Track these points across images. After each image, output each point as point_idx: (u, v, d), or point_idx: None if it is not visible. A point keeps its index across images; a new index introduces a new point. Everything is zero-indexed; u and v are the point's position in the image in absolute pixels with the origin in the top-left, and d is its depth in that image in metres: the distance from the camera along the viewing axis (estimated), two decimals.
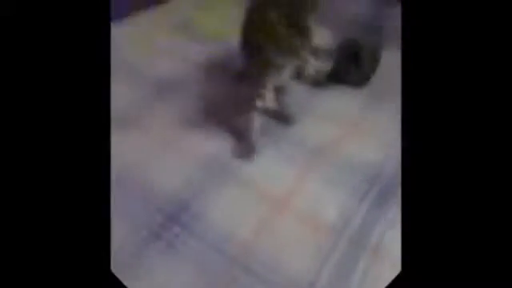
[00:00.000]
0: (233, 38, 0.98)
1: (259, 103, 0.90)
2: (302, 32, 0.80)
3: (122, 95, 1.01)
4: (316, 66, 1.05)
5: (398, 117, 0.71)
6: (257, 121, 0.93)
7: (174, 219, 0.77)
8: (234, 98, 1.05)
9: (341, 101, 1.06)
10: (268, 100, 0.97)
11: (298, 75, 1.04)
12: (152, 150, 0.91)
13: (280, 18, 0.80)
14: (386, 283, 0.55)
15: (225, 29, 1.25)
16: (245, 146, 0.93)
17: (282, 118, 1.00)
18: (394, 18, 1.22)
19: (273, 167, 0.88)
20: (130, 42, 1.26)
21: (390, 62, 1.09)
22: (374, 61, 1.12)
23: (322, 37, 1.09)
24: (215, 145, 0.93)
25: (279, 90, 0.97)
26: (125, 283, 0.55)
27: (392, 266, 0.68)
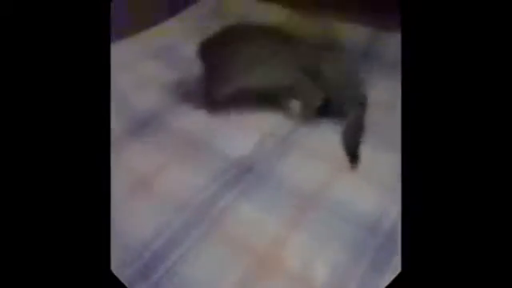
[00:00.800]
0: None
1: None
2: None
3: None
4: (304, 100, 0.97)
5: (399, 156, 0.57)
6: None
7: (144, 275, 0.66)
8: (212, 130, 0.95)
9: (332, 136, 0.92)
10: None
11: (284, 111, 0.98)
12: (127, 191, 0.80)
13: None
14: None
15: None
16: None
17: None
18: (393, 47, 1.14)
19: (255, 216, 0.76)
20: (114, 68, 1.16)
21: (389, 93, 0.97)
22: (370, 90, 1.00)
23: None
24: (194, 188, 0.80)
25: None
26: None
27: None
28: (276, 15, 1.35)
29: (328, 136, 0.92)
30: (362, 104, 0.95)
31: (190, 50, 1.14)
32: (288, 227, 0.73)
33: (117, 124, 0.95)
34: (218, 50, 0.94)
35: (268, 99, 0.99)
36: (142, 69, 1.18)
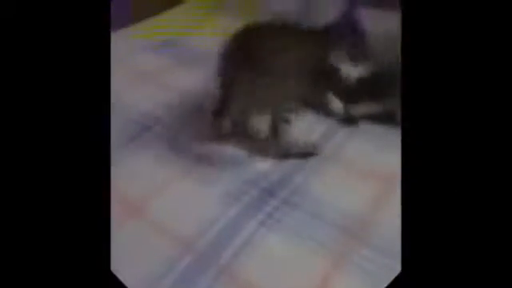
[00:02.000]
0: None
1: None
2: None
3: None
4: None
5: None
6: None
7: None
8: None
9: (374, 140, 0.73)
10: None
11: (325, 112, 0.82)
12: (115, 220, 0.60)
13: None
14: None
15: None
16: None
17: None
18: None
19: (285, 254, 0.56)
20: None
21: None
22: None
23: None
24: (204, 216, 0.62)
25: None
26: None
27: None
28: None
29: (371, 145, 0.72)
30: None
31: (197, 42, 1.04)
32: (330, 269, 0.54)
33: (118, 125, 0.79)
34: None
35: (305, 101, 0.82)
36: (142, 63, 1.02)
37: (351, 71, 0.77)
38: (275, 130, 0.71)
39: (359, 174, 0.68)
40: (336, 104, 0.80)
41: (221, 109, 0.71)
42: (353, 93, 0.80)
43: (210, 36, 1.11)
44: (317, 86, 0.78)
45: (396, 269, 0.53)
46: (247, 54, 0.72)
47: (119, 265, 0.55)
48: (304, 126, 0.78)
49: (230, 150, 0.72)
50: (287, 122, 0.72)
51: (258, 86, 0.69)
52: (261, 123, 0.71)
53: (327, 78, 0.77)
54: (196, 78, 0.90)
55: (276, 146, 0.71)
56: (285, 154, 0.71)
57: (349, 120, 0.82)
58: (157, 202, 0.65)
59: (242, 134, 0.70)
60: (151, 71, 1.01)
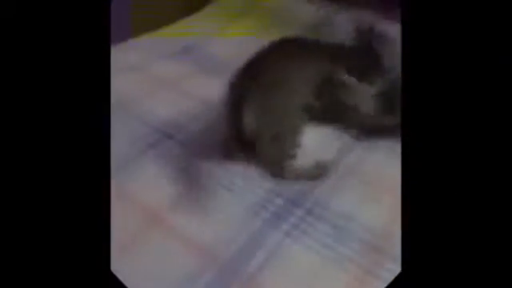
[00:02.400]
0: None
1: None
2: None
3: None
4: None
5: None
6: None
7: None
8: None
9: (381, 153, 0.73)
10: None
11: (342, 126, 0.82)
12: (130, 234, 0.60)
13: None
14: None
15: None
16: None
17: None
18: None
19: (310, 266, 0.55)
20: (125, 71, 0.97)
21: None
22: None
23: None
24: (221, 228, 0.60)
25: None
26: None
27: None
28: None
29: (388, 157, 0.72)
30: None
31: (218, 49, 1.03)
32: (356, 282, 0.54)
33: (121, 139, 0.75)
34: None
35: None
36: (162, 69, 0.99)
37: (365, 88, 0.79)
38: (290, 149, 0.70)
39: (378, 188, 0.68)
40: (352, 117, 0.82)
41: (234, 130, 0.70)
42: (368, 106, 0.81)
43: (232, 40, 1.10)
44: (331, 100, 0.79)
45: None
46: (258, 73, 0.71)
47: (119, 264, 0.55)
48: (321, 141, 0.77)
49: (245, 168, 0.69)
50: (301, 139, 0.71)
51: (271, 104, 0.68)
52: (276, 142, 0.69)
53: (341, 93, 0.79)
54: (218, 87, 0.83)
55: (291, 168, 0.69)
56: (300, 175, 0.70)
57: (366, 132, 0.81)
58: (176, 212, 0.63)
59: (256, 155, 0.68)
60: (172, 78, 0.98)
